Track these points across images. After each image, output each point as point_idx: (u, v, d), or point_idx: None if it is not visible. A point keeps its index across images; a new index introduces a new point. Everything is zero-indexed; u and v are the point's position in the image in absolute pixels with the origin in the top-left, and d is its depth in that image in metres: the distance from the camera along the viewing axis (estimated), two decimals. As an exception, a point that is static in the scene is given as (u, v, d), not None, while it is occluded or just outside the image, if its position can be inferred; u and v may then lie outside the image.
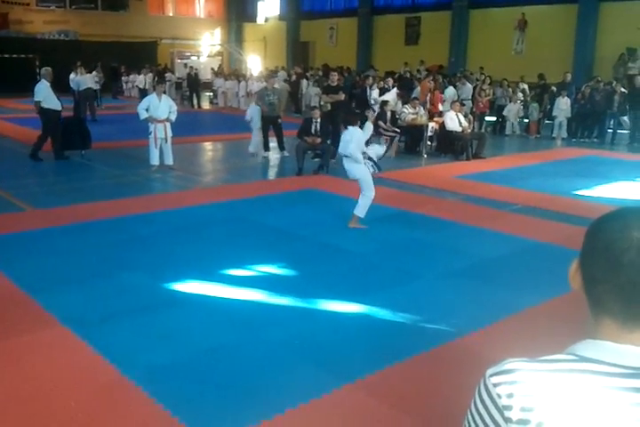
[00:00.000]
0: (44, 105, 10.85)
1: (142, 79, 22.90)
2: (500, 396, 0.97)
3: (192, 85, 22.85)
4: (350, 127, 6.95)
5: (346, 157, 6.92)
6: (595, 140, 14.81)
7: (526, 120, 16.12)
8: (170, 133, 10.31)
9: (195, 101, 22.57)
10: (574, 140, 14.93)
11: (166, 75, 23.68)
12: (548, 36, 20.34)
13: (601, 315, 1.00)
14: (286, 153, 11.98)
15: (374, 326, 4.48)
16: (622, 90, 14.46)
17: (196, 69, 23.96)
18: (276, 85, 13.75)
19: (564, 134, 15.12)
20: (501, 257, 6.09)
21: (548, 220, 7.49)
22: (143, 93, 20.75)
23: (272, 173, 11.35)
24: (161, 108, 10.17)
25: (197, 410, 3.36)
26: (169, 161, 10.45)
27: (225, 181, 10.01)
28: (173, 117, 10.33)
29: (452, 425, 3.25)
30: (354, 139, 6.80)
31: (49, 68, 11.22)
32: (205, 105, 23.82)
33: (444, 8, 23.08)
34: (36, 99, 10.86)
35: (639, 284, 0.94)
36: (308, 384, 3.62)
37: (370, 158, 7.10)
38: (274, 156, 12.11)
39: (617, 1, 18.81)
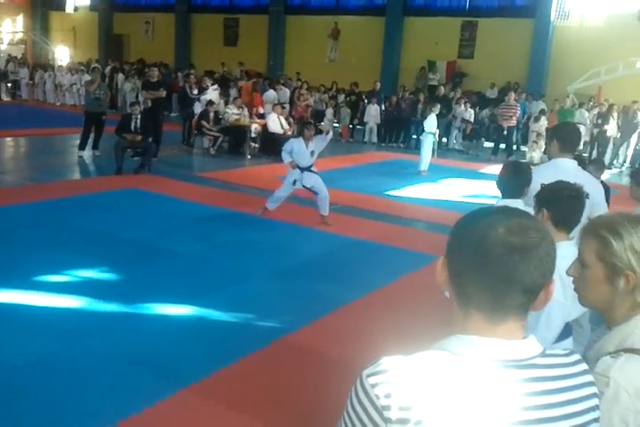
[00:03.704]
0: None
1: None
2: (378, 397, 0.97)
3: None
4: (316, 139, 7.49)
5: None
6: (401, 144, 16.01)
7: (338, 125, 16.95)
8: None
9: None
10: (383, 144, 16.01)
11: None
12: (359, 46, 21.54)
13: (469, 309, 1.04)
14: (98, 153, 11.33)
15: (206, 327, 4.43)
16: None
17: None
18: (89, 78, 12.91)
19: (375, 139, 16.15)
20: (326, 254, 6.36)
21: (365, 218, 7.97)
22: None
23: (88, 172, 10.67)
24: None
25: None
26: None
27: (34, 179, 9.22)
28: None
29: (291, 420, 3.35)
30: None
31: None
32: (5, 97, 21.68)
33: (261, 12, 23.41)
34: None
35: (505, 278, 1.00)
36: (140, 393, 3.49)
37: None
38: (88, 154, 11.37)
39: (419, 16, 20.53)
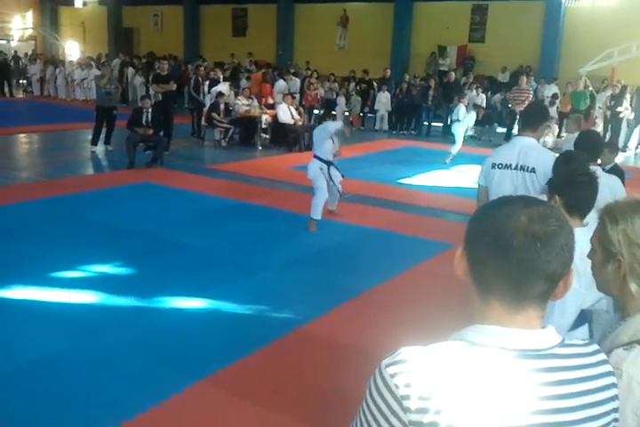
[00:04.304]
0: None
1: None
2: (397, 386, 0.97)
3: (2, 71, 20.77)
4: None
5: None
6: (412, 132, 15.88)
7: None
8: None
9: (6, 89, 20.59)
10: (394, 132, 15.88)
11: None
12: (368, 33, 21.34)
13: (489, 298, 1.04)
14: (110, 147, 11.38)
15: (221, 320, 4.45)
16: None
17: (6, 54, 21.85)
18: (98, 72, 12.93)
19: (386, 127, 16.05)
20: (339, 244, 6.35)
21: (378, 207, 7.93)
22: None
23: (101, 167, 10.72)
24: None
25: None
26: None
27: (48, 175, 9.28)
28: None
29: (308, 411, 3.36)
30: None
31: None
32: (18, 93, 21.83)
33: (269, 1, 23.25)
34: None
35: (528, 266, 0.99)
36: (156, 386, 3.51)
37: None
38: (101, 149, 11.42)
39: (428, 1, 20.28)
